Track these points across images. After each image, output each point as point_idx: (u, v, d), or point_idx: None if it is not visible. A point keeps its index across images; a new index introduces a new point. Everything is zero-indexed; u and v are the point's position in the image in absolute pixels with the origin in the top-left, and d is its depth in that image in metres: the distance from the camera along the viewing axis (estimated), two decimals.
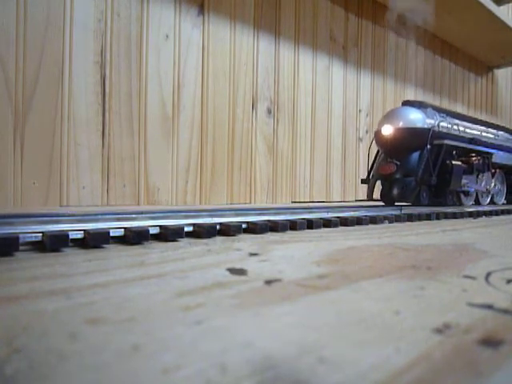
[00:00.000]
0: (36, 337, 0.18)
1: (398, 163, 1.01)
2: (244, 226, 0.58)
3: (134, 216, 0.49)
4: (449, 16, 1.78)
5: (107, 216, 0.47)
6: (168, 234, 0.48)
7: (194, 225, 0.53)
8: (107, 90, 0.98)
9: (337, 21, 1.54)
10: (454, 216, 0.97)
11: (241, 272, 0.32)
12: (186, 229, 0.51)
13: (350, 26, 1.59)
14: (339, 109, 1.57)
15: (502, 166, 1.41)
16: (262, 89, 1.31)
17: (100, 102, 0.97)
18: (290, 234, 0.58)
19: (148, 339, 0.18)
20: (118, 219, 0.47)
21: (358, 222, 0.74)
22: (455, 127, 1.17)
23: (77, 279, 0.29)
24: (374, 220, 0.77)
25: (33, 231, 0.41)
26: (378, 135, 1.08)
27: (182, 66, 1.12)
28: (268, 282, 0.29)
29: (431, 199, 1.07)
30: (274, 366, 0.16)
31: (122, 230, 0.46)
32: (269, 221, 0.60)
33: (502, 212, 1.18)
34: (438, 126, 1.09)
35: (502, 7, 1.94)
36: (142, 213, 0.51)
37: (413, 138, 1.04)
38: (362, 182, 1.10)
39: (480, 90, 2.41)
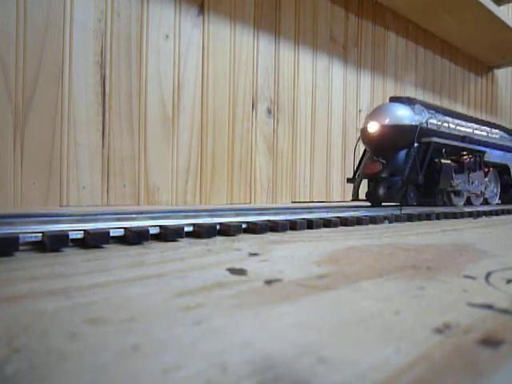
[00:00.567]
0: (36, 337, 0.18)
1: (384, 162, 0.97)
2: (244, 226, 0.58)
3: (133, 216, 0.49)
4: (449, 16, 1.77)
5: (107, 216, 0.47)
6: (168, 234, 0.48)
7: (193, 225, 0.53)
8: (107, 89, 0.98)
9: (337, 21, 1.54)
10: (454, 216, 0.97)
11: (241, 272, 0.32)
12: (186, 229, 0.51)
13: (349, 26, 1.59)
14: (339, 109, 1.57)
15: (496, 165, 1.37)
16: (262, 89, 1.31)
17: (100, 102, 0.97)
18: (290, 234, 0.58)
19: (148, 339, 0.18)
20: (118, 219, 0.47)
21: (358, 222, 0.74)
22: (445, 124, 1.13)
23: (77, 279, 0.29)
24: (373, 220, 0.77)
25: (33, 231, 0.41)
26: (363, 133, 1.04)
27: (182, 65, 1.12)
28: (268, 282, 0.29)
29: (419, 199, 1.04)
30: (274, 366, 0.16)
31: (122, 230, 0.46)
32: (269, 221, 0.60)
33: (502, 212, 1.18)
34: (427, 122, 1.05)
35: (502, 7, 1.94)
36: (141, 213, 0.51)
37: (399, 136, 1.00)
38: (348, 181, 1.07)
39: (480, 90, 2.41)
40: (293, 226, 0.63)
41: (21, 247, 0.39)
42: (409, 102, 1.06)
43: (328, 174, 1.52)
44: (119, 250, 0.41)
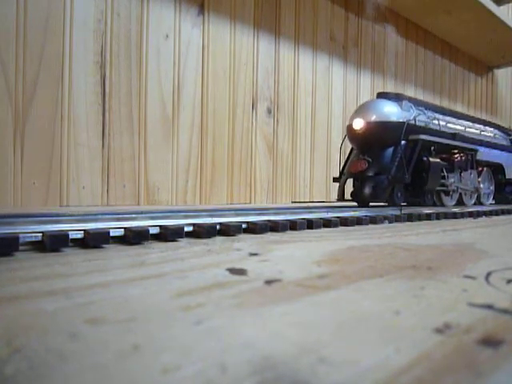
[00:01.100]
0: (36, 337, 0.18)
1: (370, 160, 0.94)
2: (244, 225, 0.58)
3: (133, 216, 0.49)
4: (449, 16, 1.77)
5: (107, 216, 0.47)
6: (168, 234, 0.48)
7: (193, 225, 0.53)
8: (107, 89, 0.98)
9: (337, 21, 1.54)
10: (454, 216, 0.97)
11: (241, 272, 0.32)
12: (186, 229, 0.51)
13: (349, 26, 1.59)
14: (339, 109, 1.57)
15: (490, 164, 1.33)
16: (262, 89, 1.31)
17: (100, 102, 0.97)
18: (290, 234, 0.58)
19: (148, 339, 0.18)
20: (118, 219, 0.47)
21: (358, 222, 0.74)
22: (435, 121, 1.09)
23: (76, 279, 0.29)
24: (373, 220, 0.77)
25: (32, 231, 0.41)
26: (349, 130, 1.00)
27: (182, 65, 1.12)
28: (268, 282, 0.29)
29: (408, 199, 1.01)
30: (274, 366, 0.16)
31: (122, 229, 0.46)
32: (269, 221, 0.60)
33: (502, 212, 1.18)
34: (415, 119, 1.01)
35: (502, 7, 1.94)
36: (141, 213, 0.51)
37: (386, 133, 0.96)
38: (334, 180, 1.03)
39: (480, 90, 2.41)
40: (293, 226, 0.63)
41: (21, 247, 0.39)
42: (396, 98, 1.03)
43: (328, 174, 1.52)
44: (119, 250, 0.41)
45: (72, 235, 0.42)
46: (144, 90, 1.04)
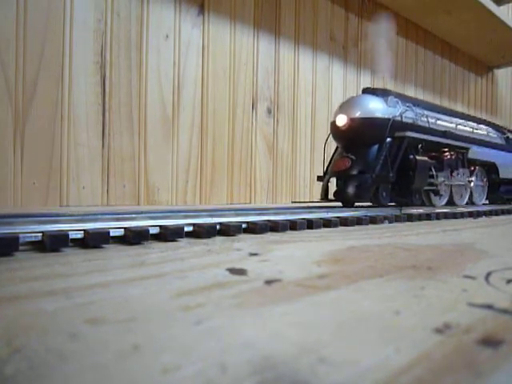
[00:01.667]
0: (36, 337, 0.18)
1: (354, 158, 0.90)
2: (244, 225, 0.58)
3: (133, 216, 0.49)
4: (449, 16, 1.78)
5: (107, 216, 0.47)
6: (168, 234, 0.48)
7: (193, 225, 0.53)
8: (107, 89, 0.98)
9: (337, 21, 1.54)
10: (454, 216, 0.97)
11: (241, 272, 0.32)
12: (186, 229, 0.51)
13: (349, 26, 1.59)
14: None
15: (482, 163, 1.28)
16: (262, 89, 1.31)
17: (100, 102, 0.97)
18: (289, 234, 0.58)
19: (148, 339, 0.18)
20: (118, 219, 0.47)
21: (358, 222, 0.74)
22: (423, 118, 1.04)
23: (76, 279, 0.29)
24: (373, 220, 0.77)
25: (32, 231, 0.41)
26: (332, 127, 0.96)
27: (182, 66, 1.12)
28: (268, 282, 0.29)
29: (394, 199, 0.97)
30: (274, 366, 0.16)
31: (122, 229, 0.46)
32: (269, 221, 0.60)
33: (503, 212, 1.18)
34: (401, 116, 0.97)
35: (502, 7, 1.94)
36: (141, 213, 0.51)
37: (370, 130, 0.92)
38: (318, 179, 0.98)
39: (480, 90, 2.41)
40: (293, 226, 0.63)
41: (20, 247, 0.39)
42: (382, 93, 0.98)
43: None
44: (119, 250, 0.41)
45: (72, 235, 0.42)
46: (144, 90, 1.04)
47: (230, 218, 0.58)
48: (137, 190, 1.03)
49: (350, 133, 0.92)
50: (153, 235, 0.48)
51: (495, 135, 1.40)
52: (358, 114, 0.92)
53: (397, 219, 0.83)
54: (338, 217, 0.72)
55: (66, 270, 0.32)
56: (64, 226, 0.43)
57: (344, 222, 0.71)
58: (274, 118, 1.35)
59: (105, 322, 0.20)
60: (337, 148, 1.01)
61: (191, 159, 1.14)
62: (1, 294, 0.25)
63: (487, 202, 1.37)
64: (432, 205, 1.07)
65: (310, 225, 0.65)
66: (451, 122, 1.16)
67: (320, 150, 1.50)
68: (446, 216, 0.95)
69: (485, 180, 1.33)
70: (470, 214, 1.03)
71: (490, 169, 1.33)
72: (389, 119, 0.93)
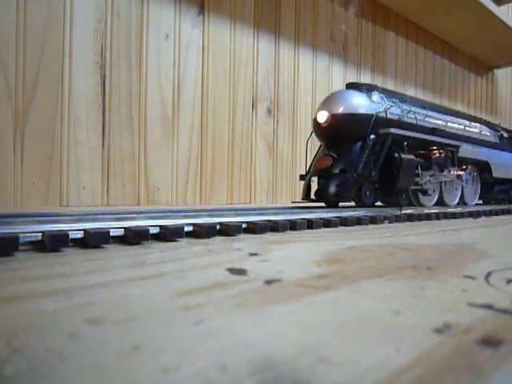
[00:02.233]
0: (36, 337, 0.18)
1: (335, 156, 0.86)
2: (244, 225, 0.58)
3: (133, 216, 0.49)
4: (449, 16, 1.78)
5: (107, 216, 0.47)
6: (168, 234, 0.48)
7: (193, 225, 0.53)
8: (107, 89, 0.98)
9: (337, 21, 1.54)
10: (454, 216, 0.97)
11: (241, 272, 0.32)
12: (186, 229, 0.51)
13: (350, 26, 1.59)
14: None
15: (475, 162, 1.24)
16: (262, 89, 1.31)
17: (100, 102, 0.97)
18: (289, 234, 0.58)
19: (148, 339, 0.18)
20: (118, 219, 0.47)
21: (358, 222, 0.74)
22: (411, 115, 1.00)
23: (76, 279, 0.29)
24: (373, 220, 0.77)
25: (32, 231, 0.41)
26: (314, 123, 0.93)
27: (182, 66, 1.12)
28: (268, 282, 0.29)
29: (379, 198, 0.94)
30: (274, 366, 0.16)
31: (122, 229, 0.46)
32: (269, 221, 0.60)
33: (503, 212, 1.18)
34: (386, 112, 0.93)
35: (502, 7, 1.94)
36: (141, 213, 0.51)
37: (352, 126, 0.88)
38: (301, 178, 0.95)
39: (480, 90, 2.41)
40: (293, 225, 0.63)
41: (20, 247, 0.39)
42: (367, 89, 0.95)
43: None
44: (119, 250, 0.41)
45: (72, 235, 0.42)
46: (144, 90, 1.04)
47: (230, 218, 0.58)
48: (137, 190, 1.03)
49: (332, 129, 0.89)
50: (153, 235, 0.48)
51: (489, 133, 1.35)
52: (339, 110, 0.89)
53: (397, 219, 0.83)
54: (337, 217, 0.72)
55: (66, 269, 0.32)
56: (64, 225, 0.43)
57: (344, 222, 0.71)
58: (274, 118, 1.35)
59: (105, 322, 0.20)
60: (320, 146, 0.98)
61: (191, 159, 1.14)
62: (1, 294, 0.25)
63: (481, 202, 1.34)
64: (420, 205, 1.03)
65: (310, 225, 0.65)
66: (441, 120, 1.12)
67: None
68: (446, 216, 0.95)
69: (477, 179, 1.29)
70: (470, 214, 1.03)
71: (482, 168, 1.29)
72: (372, 115, 0.89)
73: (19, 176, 0.86)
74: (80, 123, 0.94)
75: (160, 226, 0.49)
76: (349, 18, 1.57)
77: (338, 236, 0.58)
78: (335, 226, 0.69)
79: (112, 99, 0.99)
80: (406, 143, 0.95)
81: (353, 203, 0.90)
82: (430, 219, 0.90)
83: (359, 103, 0.90)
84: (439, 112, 1.14)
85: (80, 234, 0.43)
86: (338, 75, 1.55)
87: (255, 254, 0.40)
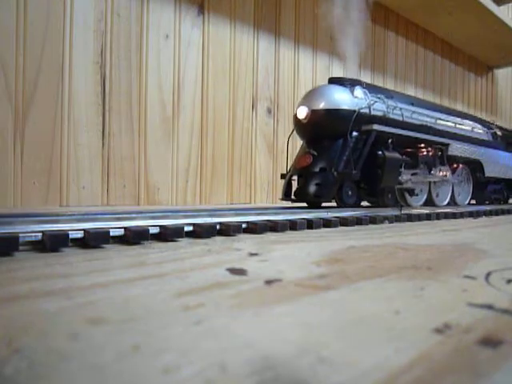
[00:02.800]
0: (36, 337, 0.18)
1: (315, 153, 0.83)
2: (244, 225, 0.58)
3: (133, 216, 0.49)
4: (449, 16, 1.78)
5: (107, 216, 0.47)
6: (168, 234, 0.48)
7: (193, 225, 0.53)
8: (107, 89, 0.98)
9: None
10: (454, 216, 0.97)
11: (241, 272, 0.32)
12: (186, 228, 0.51)
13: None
14: None
15: (466, 161, 1.19)
16: (262, 89, 1.31)
17: (100, 102, 0.97)
18: (289, 234, 0.58)
19: (148, 339, 0.18)
20: (118, 219, 0.47)
21: (358, 222, 0.74)
22: (397, 111, 0.96)
23: (77, 279, 0.29)
24: (373, 220, 0.77)
25: (32, 231, 0.41)
26: (294, 120, 0.89)
27: (182, 66, 1.12)
28: (268, 282, 0.29)
29: (362, 198, 0.91)
30: (273, 366, 0.16)
31: (122, 229, 0.46)
32: (269, 221, 0.60)
33: (503, 212, 1.18)
34: (370, 108, 0.89)
35: (502, 7, 1.94)
36: (141, 213, 0.51)
37: (333, 123, 0.84)
38: (282, 177, 0.91)
39: (480, 90, 2.41)
40: (293, 225, 0.63)
41: (20, 247, 0.39)
42: (350, 84, 0.91)
43: None
44: (119, 250, 0.41)
45: (72, 235, 0.42)
46: (144, 89, 1.04)
47: (230, 218, 0.58)
48: (137, 190, 1.03)
49: (312, 126, 0.85)
50: (153, 235, 0.48)
51: (481, 131, 1.31)
52: (319, 106, 0.85)
53: (397, 219, 0.83)
54: (337, 217, 0.72)
55: (66, 270, 0.32)
56: (64, 225, 0.43)
57: (344, 222, 0.71)
58: (273, 117, 1.35)
59: (105, 322, 0.20)
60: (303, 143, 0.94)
61: (191, 159, 1.14)
62: (1, 294, 0.25)
63: (474, 202, 1.30)
64: (407, 205, 0.99)
65: (310, 225, 0.65)
66: (430, 116, 1.08)
67: None
68: (446, 216, 0.95)
69: (469, 179, 1.24)
70: (470, 214, 1.03)
71: (475, 167, 1.24)
72: (354, 111, 0.86)
73: (19, 176, 0.86)
74: (80, 123, 0.94)
75: (160, 226, 0.49)
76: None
77: (338, 236, 0.58)
78: (335, 226, 0.69)
79: (112, 99, 0.99)
80: (390, 140, 0.91)
81: (337, 203, 0.86)
82: (430, 219, 0.90)
83: (340, 98, 0.86)
84: (428, 109, 1.10)
85: (80, 234, 0.43)
86: (338, 75, 1.55)
87: (255, 254, 0.40)
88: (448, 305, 0.24)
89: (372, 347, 0.18)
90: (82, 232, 0.43)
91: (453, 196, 1.15)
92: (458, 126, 1.18)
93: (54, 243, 0.40)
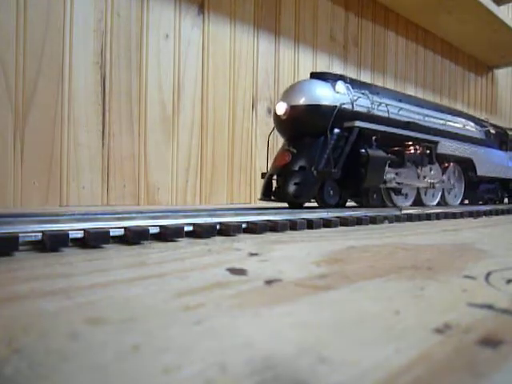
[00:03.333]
0: (36, 337, 0.18)
1: (295, 151, 0.80)
2: (244, 225, 0.58)
3: (133, 216, 0.49)
4: (449, 16, 1.78)
5: (107, 216, 0.47)
6: (168, 234, 0.48)
7: (193, 224, 0.53)
8: (107, 89, 0.98)
9: (337, 21, 1.54)
10: (454, 216, 0.97)
11: (241, 272, 0.32)
12: (186, 228, 0.51)
13: (349, 26, 1.59)
14: None
15: (457, 159, 1.16)
16: (262, 88, 1.31)
17: (100, 102, 0.97)
18: (289, 234, 0.58)
19: (148, 339, 0.18)
20: (118, 219, 0.47)
21: (358, 222, 0.74)
22: (382, 107, 0.92)
23: (77, 279, 0.29)
24: (373, 220, 0.77)
25: (32, 231, 0.41)
26: (274, 116, 0.86)
27: (182, 65, 1.12)
28: (268, 282, 0.29)
29: (345, 198, 0.88)
30: (273, 366, 0.16)
31: (122, 229, 0.46)
32: (269, 221, 0.60)
33: (503, 212, 1.18)
34: (353, 103, 0.86)
35: (502, 7, 1.94)
36: (141, 212, 0.51)
37: (313, 119, 0.81)
38: (262, 176, 0.87)
39: (480, 90, 2.41)
40: (293, 225, 0.63)
41: (20, 247, 0.39)
42: (333, 78, 0.87)
43: None
44: (119, 250, 0.41)
45: (72, 235, 0.42)
46: (144, 89, 1.04)
47: (230, 218, 0.58)
48: (137, 190, 1.03)
49: (291, 123, 0.82)
50: (153, 235, 0.48)
51: (474, 129, 1.27)
52: (298, 101, 0.82)
53: (397, 219, 0.83)
54: (338, 217, 0.72)
55: (66, 269, 0.32)
56: (64, 225, 0.43)
57: (344, 222, 0.71)
58: None
59: (105, 322, 0.20)
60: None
61: (191, 159, 1.14)
62: (1, 293, 0.25)
63: (467, 201, 1.27)
64: (394, 205, 0.95)
65: (310, 225, 0.65)
66: (418, 113, 1.03)
67: None
68: (446, 216, 0.95)
69: (461, 178, 1.20)
70: (470, 214, 1.03)
71: (466, 166, 1.20)
72: (335, 107, 0.82)
73: (19, 176, 0.86)
74: (80, 123, 0.94)
75: (160, 226, 0.49)
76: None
77: (338, 236, 0.58)
78: (335, 225, 0.69)
79: (112, 99, 0.99)
80: (374, 138, 0.87)
81: (318, 204, 0.82)
82: (430, 219, 0.90)
83: (321, 94, 0.83)
84: (417, 105, 1.06)
85: (80, 234, 0.43)
86: None
87: (255, 254, 0.40)
88: (448, 305, 0.24)
89: (372, 347, 0.18)
90: (82, 232, 0.43)
91: (443, 196, 1.12)
92: (448, 123, 1.14)
93: (53, 243, 0.40)
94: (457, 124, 1.18)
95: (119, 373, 0.15)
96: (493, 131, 1.37)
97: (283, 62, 1.37)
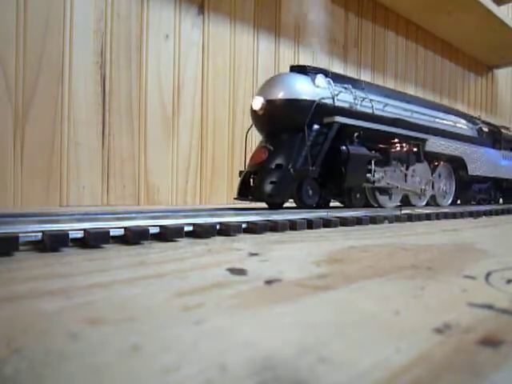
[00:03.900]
0: (36, 337, 0.18)
1: (272, 148, 0.76)
2: (244, 225, 0.58)
3: (133, 216, 0.49)
4: (449, 16, 1.78)
5: (107, 216, 0.47)
6: (168, 234, 0.48)
7: (193, 224, 0.53)
8: (107, 89, 0.98)
9: (337, 21, 1.54)
10: (454, 216, 0.97)
11: (241, 272, 0.32)
12: (186, 228, 0.51)
13: (349, 26, 1.59)
14: None
15: (448, 158, 1.12)
16: None
17: (100, 102, 0.97)
18: (289, 234, 0.58)
19: (148, 339, 0.18)
20: (118, 219, 0.47)
21: (358, 222, 0.74)
22: (366, 103, 0.88)
23: (77, 279, 0.29)
24: (373, 220, 0.77)
25: (32, 231, 0.41)
26: (251, 111, 0.82)
27: (182, 65, 1.12)
28: (268, 282, 0.29)
29: (326, 198, 0.84)
30: (273, 366, 0.16)
31: (122, 229, 0.46)
32: (269, 221, 0.60)
33: (503, 212, 1.18)
34: (334, 98, 0.82)
35: (502, 7, 1.94)
36: (141, 213, 0.51)
37: (290, 114, 0.78)
38: (240, 174, 0.83)
39: (480, 90, 2.41)
40: (293, 225, 0.63)
41: (20, 247, 0.39)
42: (313, 72, 0.83)
43: None
44: (119, 250, 0.41)
45: (72, 235, 0.42)
46: (144, 89, 1.04)
47: (230, 218, 0.58)
48: (137, 190, 1.03)
49: (268, 118, 0.79)
50: (153, 235, 0.48)
51: (465, 126, 1.22)
52: (275, 96, 0.78)
53: (397, 219, 0.83)
54: (338, 217, 0.72)
55: (65, 270, 0.32)
56: (64, 225, 0.43)
57: (344, 222, 0.71)
58: None
59: (105, 322, 0.20)
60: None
61: (191, 159, 1.14)
62: (1, 294, 0.25)
63: (459, 202, 1.24)
64: (380, 206, 0.91)
65: (310, 225, 0.65)
66: (406, 109, 0.99)
67: None
68: (446, 216, 0.95)
69: (451, 178, 1.16)
70: (470, 214, 1.03)
71: (458, 165, 1.16)
72: (313, 101, 0.78)
73: (19, 176, 0.86)
74: (80, 123, 0.94)
75: (160, 226, 0.49)
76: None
77: (338, 236, 0.58)
78: (335, 225, 0.69)
79: (112, 99, 0.99)
80: (356, 135, 0.83)
81: (296, 204, 0.78)
82: (430, 219, 0.90)
83: (299, 88, 0.79)
84: (405, 101, 1.02)
85: (80, 234, 0.43)
86: None
87: (255, 254, 0.40)
88: (448, 305, 0.24)
89: (372, 347, 0.18)
90: (82, 232, 0.43)
91: (433, 196, 1.09)
92: (437, 120, 1.10)
93: (53, 243, 0.40)
94: (447, 121, 1.14)
95: (119, 373, 0.15)
96: (485, 129, 1.33)
97: (283, 62, 1.37)
